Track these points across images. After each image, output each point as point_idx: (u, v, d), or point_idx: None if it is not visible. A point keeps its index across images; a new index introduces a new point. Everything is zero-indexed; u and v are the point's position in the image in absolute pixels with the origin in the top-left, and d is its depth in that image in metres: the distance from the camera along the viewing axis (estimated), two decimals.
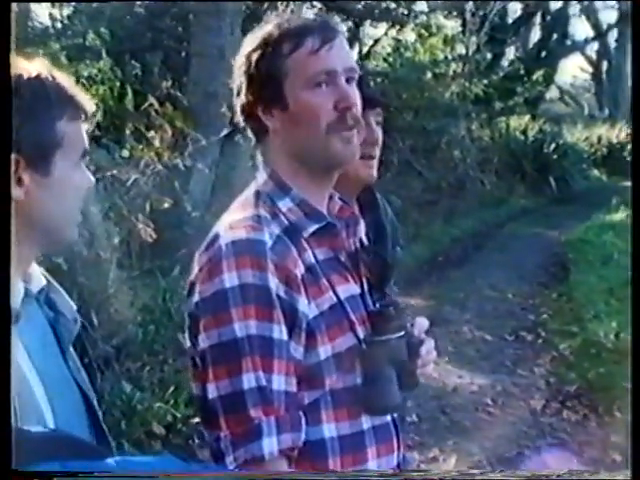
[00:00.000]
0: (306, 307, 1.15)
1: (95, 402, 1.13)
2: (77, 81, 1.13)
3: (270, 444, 1.10)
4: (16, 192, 0.99)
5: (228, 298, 1.12)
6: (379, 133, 1.64)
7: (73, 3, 7.73)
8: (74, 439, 0.94)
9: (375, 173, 1.65)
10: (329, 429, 1.19)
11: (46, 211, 1.04)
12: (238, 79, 1.25)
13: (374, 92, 1.74)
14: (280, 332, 1.13)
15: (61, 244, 1.14)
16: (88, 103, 1.09)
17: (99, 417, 1.13)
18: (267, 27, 1.23)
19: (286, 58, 1.20)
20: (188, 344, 1.21)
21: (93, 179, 1.13)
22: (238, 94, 1.26)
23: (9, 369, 0.91)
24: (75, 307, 1.15)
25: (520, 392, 4.48)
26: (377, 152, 1.64)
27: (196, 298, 1.16)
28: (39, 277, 1.10)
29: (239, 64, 1.25)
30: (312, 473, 1.17)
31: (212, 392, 1.13)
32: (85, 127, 1.09)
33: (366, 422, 1.22)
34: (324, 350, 1.17)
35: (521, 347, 5.40)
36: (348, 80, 1.22)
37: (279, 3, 7.72)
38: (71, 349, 1.13)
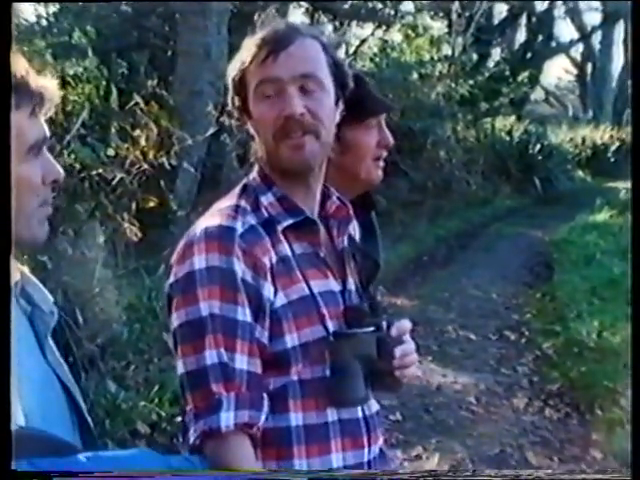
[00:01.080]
0: (271, 293, 1.20)
1: (78, 395, 1.12)
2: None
3: (227, 418, 1.13)
4: None
5: (196, 280, 1.17)
6: (390, 136, 1.67)
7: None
8: (43, 435, 0.93)
9: (382, 174, 1.69)
10: (296, 418, 1.22)
11: None
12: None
13: (382, 96, 1.78)
14: (244, 314, 1.17)
15: (27, 242, 1.06)
16: (45, 90, 1.02)
17: (82, 410, 1.12)
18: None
19: (245, 71, 1.26)
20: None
21: (60, 171, 1.06)
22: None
23: (9, 370, 0.91)
24: (52, 299, 1.13)
25: (503, 391, 4.52)
26: (385, 154, 1.68)
27: (171, 279, 1.22)
28: (13, 270, 1.05)
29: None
30: (293, 472, 1.19)
31: (180, 369, 1.18)
32: (40, 116, 1.02)
33: (332, 414, 1.24)
34: (290, 338, 1.21)
35: (505, 346, 5.43)
36: (303, 87, 1.23)
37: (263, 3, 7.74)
38: (50, 342, 1.10)
